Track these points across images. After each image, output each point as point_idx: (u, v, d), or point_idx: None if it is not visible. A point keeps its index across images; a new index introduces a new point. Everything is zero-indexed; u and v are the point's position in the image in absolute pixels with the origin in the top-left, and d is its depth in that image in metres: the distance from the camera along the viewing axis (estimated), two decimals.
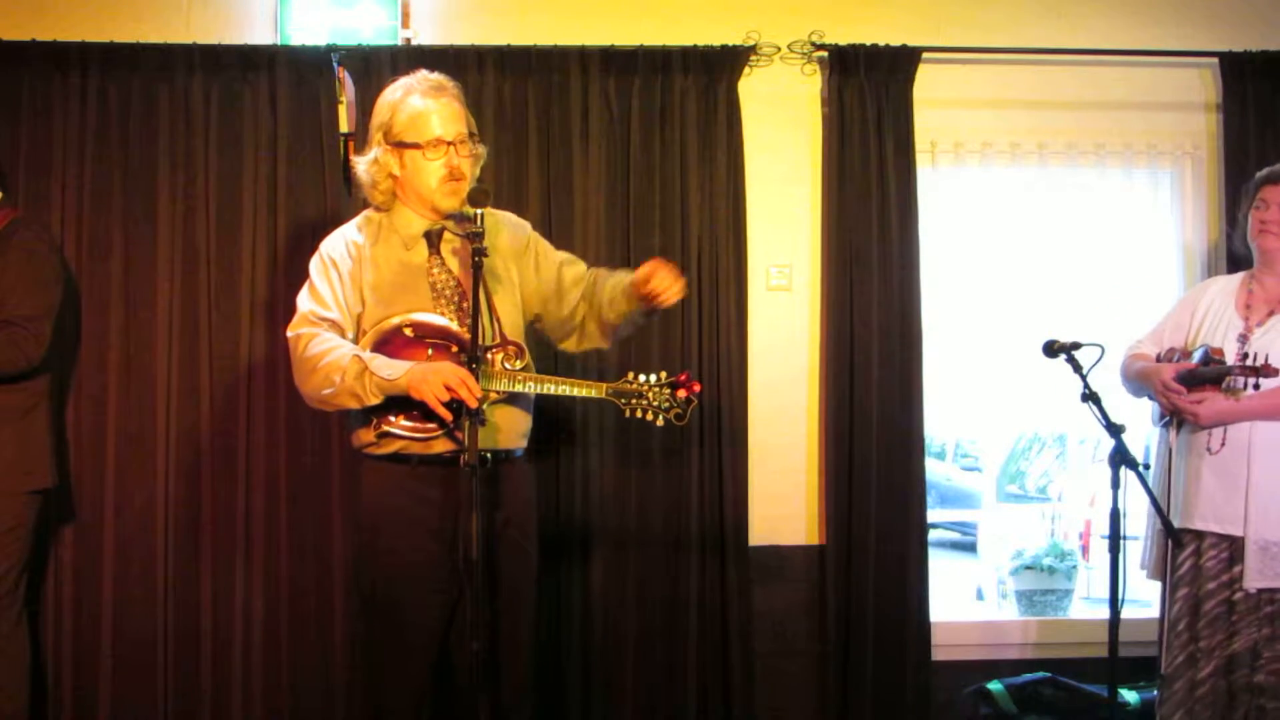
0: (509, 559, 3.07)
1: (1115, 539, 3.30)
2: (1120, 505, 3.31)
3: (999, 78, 4.42)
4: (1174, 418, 3.59)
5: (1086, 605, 4.77)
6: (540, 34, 4.18)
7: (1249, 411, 3.43)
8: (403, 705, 3.07)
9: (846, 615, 4.23)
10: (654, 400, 3.03)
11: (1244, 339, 3.52)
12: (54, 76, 4.03)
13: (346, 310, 3.05)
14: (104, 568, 4.02)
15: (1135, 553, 3.80)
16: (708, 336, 4.20)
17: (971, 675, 4.29)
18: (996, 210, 4.47)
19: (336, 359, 2.95)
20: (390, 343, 3.01)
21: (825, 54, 4.30)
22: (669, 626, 4.18)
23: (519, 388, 3.01)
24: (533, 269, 3.21)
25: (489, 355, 2.99)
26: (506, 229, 3.22)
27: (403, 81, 3.10)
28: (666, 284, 3.00)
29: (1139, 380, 3.67)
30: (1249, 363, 3.39)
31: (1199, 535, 3.50)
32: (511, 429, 3.10)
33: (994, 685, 4.20)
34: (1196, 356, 3.56)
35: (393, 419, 3.00)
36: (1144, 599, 4.32)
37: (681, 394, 3.03)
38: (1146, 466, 3.78)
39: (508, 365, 3.02)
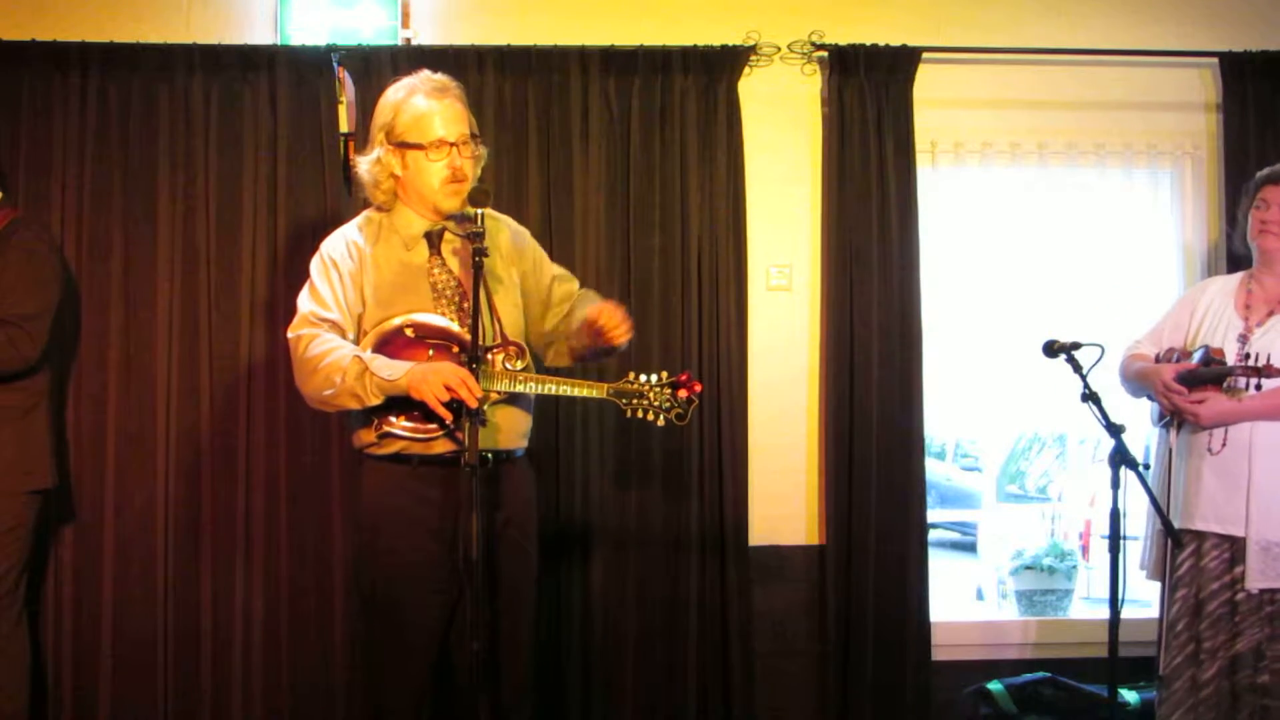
0: (509, 559, 3.07)
1: (1115, 539, 3.29)
2: (1120, 505, 3.30)
3: (999, 78, 4.42)
4: (1174, 418, 3.59)
5: (1086, 605, 4.77)
6: (540, 34, 4.18)
7: (1250, 412, 3.43)
8: (403, 705, 3.06)
9: (846, 615, 4.23)
10: (655, 400, 3.03)
11: (1244, 339, 3.52)
12: (54, 76, 4.03)
13: (347, 311, 3.05)
14: (104, 568, 4.02)
15: (1135, 553, 3.80)
16: (708, 336, 4.20)
17: (971, 675, 4.29)
18: (996, 210, 4.47)
19: (337, 360, 2.95)
20: (391, 343, 3.01)
21: (825, 54, 4.30)
22: (669, 626, 4.18)
23: (520, 388, 3.01)
24: (530, 276, 3.22)
25: (490, 355, 2.99)
26: (507, 231, 3.22)
27: (406, 82, 3.09)
28: (612, 324, 3.03)
29: (1138, 380, 3.67)
30: (1251, 363, 3.39)
31: (1199, 536, 3.50)
32: (512, 429, 3.10)
33: (994, 685, 4.20)
34: (1196, 357, 3.56)
35: (393, 419, 3.00)
36: (1144, 599, 4.31)
37: (682, 394, 3.03)
38: (1146, 466, 3.77)
39: (508, 365, 3.02)
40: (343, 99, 4.16)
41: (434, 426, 2.98)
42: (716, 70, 4.22)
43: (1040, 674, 4.23)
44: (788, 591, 4.33)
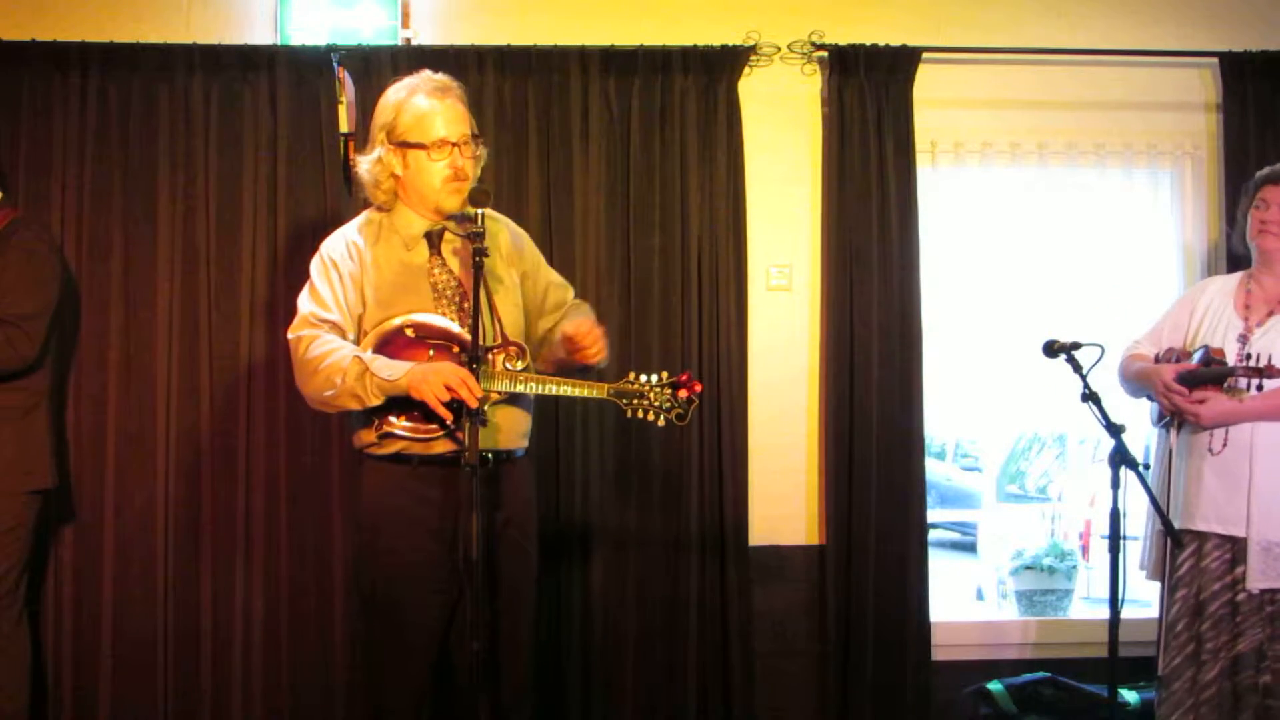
0: (509, 559, 3.07)
1: (1115, 539, 3.29)
2: (1120, 505, 3.30)
3: (999, 78, 4.42)
4: (1174, 418, 3.59)
5: (1086, 605, 4.77)
6: (540, 34, 4.18)
7: (1251, 412, 3.42)
8: (403, 705, 3.06)
9: (846, 615, 4.23)
10: (655, 400, 3.02)
11: (1244, 339, 3.52)
12: (54, 76, 4.03)
13: (347, 311, 3.05)
14: (104, 568, 4.02)
15: (1135, 553, 3.80)
16: (708, 336, 4.20)
17: (971, 675, 4.29)
18: (996, 210, 4.47)
19: (337, 360, 2.95)
20: (392, 344, 3.01)
21: (825, 54, 4.30)
22: (669, 626, 4.18)
23: (520, 388, 3.01)
24: (528, 278, 3.23)
25: (490, 355, 2.99)
26: (506, 232, 3.22)
27: (407, 81, 3.09)
28: (587, 342, 3.03)
29: (1138, 380, 3.67)
30: (1252, 363, 3.39)
31: (1200, 536, 3.50)
32: (512, 429, 3.10)
33: (994, 685, 4.20)
34: (1196, 357, 3.55)
35: (394, 420, 2.99)
36: (1144, 599, 4.31)
37: (683, 394, 3.03)
38: (1146, 466, 3.77)
39: (509, 365, 3.02)
40: (343, 99, 4.16)
41: (434, 426, 2.97)
42: (716, 70, 4.22)
43: (1040, 674, 4.23)
44: (788, 591, 4.33)
